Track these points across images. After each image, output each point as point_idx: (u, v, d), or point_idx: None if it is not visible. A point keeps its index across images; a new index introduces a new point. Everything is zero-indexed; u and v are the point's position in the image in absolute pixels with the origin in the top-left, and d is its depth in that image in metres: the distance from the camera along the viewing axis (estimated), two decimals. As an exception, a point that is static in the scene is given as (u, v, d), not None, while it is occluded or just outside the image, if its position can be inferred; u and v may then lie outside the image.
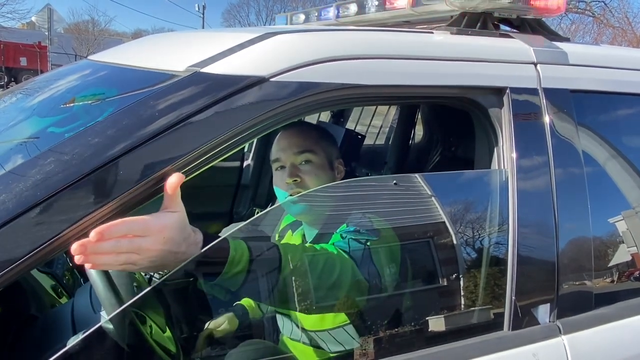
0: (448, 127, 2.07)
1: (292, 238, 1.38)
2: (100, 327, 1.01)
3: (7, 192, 0.73)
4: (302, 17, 1.81)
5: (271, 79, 0.87)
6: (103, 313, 1.12)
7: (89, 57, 1.47)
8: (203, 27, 32.66)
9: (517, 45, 1.12)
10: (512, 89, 1.05)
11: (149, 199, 0.81)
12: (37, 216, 0.72)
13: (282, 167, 1.27)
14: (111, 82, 1.15)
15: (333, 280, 1.02)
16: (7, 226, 0.71)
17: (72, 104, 1.10)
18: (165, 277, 0.93)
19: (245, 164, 2.79)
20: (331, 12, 1.62)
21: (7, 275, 0.71)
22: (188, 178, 0.83)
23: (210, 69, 0.88)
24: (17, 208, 0.72)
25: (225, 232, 2.59)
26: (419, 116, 2.35)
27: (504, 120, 1.04)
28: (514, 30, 1.29)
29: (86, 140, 0.78)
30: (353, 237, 1.09)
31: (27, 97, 1.40)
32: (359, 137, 2.59)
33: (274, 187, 1.30)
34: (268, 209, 2.67)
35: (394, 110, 2.68)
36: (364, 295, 1.08)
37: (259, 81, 0.86)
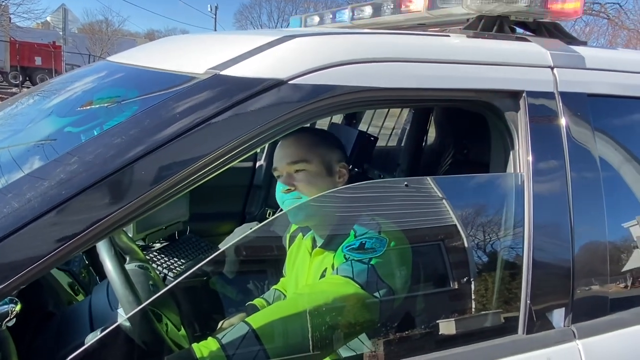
0: (461, 130, 2.07)
1: (303, 242, 1.39)
2: (119, 324, 1.02)
3: (32, 191, 0.75)
4: (317, 19, 1.81)
5: (289, 82, 0.88)
6: (120, 310, 1.14)
7: (108, 59, 1.49)
8: (215, 28, 32.81)
9: (534, 49, 1.12)
10: (529, 93, 1.05)
11: (167, 200, 0.82)
12: (61, 216, 0.74)
13: (280, 176, 1.28)
14: (132, 83, 1.17)
15: (329, 319, 1.04)
16: (32, 224, 0.72)
17: (94, 105, 1.11)
18: (182, 277, 0.94)
19: (257, 164, 2.82)
20: (346, 14, 1.62)
21: (31, 273, 0.73)
22: (207, 179, 0.85)
23: (230, 71, 0.89)
24: (42, 207, 0.73)
25: (238, 232, 2.60)
26: (432, 119, 2.35)
27: (520, 124, 1.04)
28: (530, 34, 1.28)
29: (109, 140, 0.80)
30: (356, 259, 1.08)
31: (49, 96, 1.42)
32: (372, 139, 2.59)
33: (276, 195, 1.31)
34: (279, 212, 2.68)
35: (406, 112, 2.68)
36: (376, 313, 1.08)
37: (277, 84, 0.87)
